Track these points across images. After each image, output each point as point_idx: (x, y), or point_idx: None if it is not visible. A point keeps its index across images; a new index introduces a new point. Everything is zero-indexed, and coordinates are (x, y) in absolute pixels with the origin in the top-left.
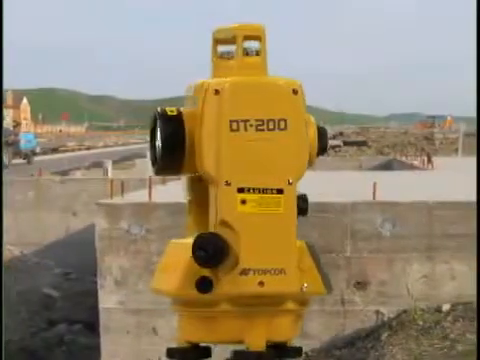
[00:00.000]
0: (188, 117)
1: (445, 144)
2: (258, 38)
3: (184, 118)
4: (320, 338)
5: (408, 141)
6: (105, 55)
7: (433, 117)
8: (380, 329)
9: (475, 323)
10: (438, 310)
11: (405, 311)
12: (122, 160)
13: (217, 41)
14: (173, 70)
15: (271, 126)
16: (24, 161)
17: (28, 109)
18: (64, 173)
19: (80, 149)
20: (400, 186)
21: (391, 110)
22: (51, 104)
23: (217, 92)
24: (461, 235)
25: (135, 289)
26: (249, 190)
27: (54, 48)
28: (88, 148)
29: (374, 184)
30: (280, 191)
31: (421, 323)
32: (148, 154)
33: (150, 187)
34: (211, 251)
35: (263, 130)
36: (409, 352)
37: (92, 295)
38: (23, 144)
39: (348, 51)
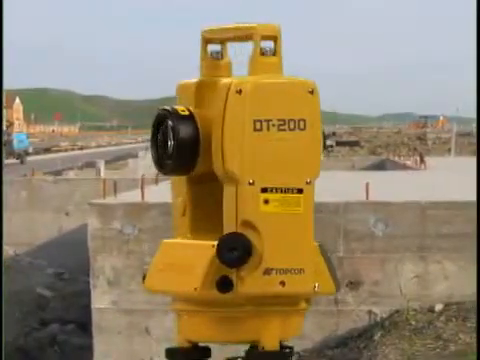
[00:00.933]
0: (200, 116)
1: (438, 144)
2: (274, 38)
3: (196, 117)
4: (313, 338)
5: (401, 141)
6: (99, 55)
7: (426, 117)
8: (373, 329)
9: (475, 323)
10: (431, 310)
11: (398, 311)
12: (115, 160)
13: (208, 41)
14: (167, 70)
15: (292, 126)
16: (17, 161)
17: (21, 109)
18: (57, 173)
19: (73, 149)
20: (393, 186)
21: (384, 110)
22: (44, 104)
23: (239, 92)
24: (454, 235)
25: (128, 289)
26: (272, 190)
27: (47, 47)
28: (81, 148)
29: (367, 184)
30: (300, 191)
31: (414, 323)
32: (140, 153)
33: (143, 187)
34: (241, 251)
35: (285, 130)
36: (402, 352)
37: (85, 295)
38: (16, 144)
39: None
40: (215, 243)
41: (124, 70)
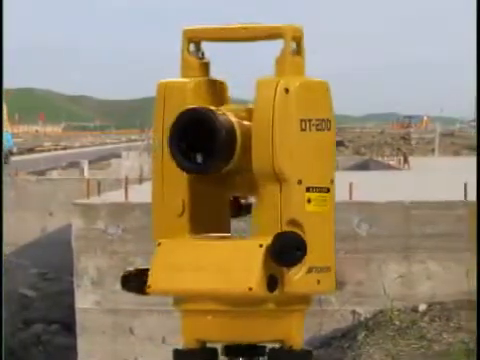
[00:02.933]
0: (233, 116)
1: (421, 144)
2: (300, 39)
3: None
4: None
5: (385, 141)
6: (83, 55)
7: (410, 117)
8: (357, 329)
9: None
10: (414, 310)
11: (381, 311)
12: (98, 160)
13: (195, 40)
14: (150, 70)
15: (323, 126)
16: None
17: (5, 109)
18: (40, 173)
19: (56, 149)
20: (377, 186)
21: (368, 110)
22: (29, 104)
23: (287, 91)
24: (437, 235)
25: (112, 289)
26: (314, 189)
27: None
28: (64, 148)
29: (350, 184)
30: (328, 190)
31: (398, 323)
32: (124, 153)
33: (126, 187)
34: (304, 251)
35: (321, 130)
36: (386, 352)
37: (69, 295)
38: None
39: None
40: (263, 242)
41: (107, 70)
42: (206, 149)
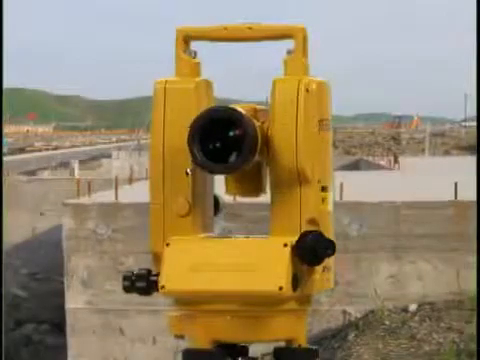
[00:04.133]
0: (253, 116)
1: (412, 144)
2: (306, 39)
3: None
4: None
5: (375, 141)
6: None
7: (400, 117)
8: (347, 329)
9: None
10: (405, 310)
11: (372, 311)
12: (89, 160)
13: (187, 39)
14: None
15: (329, 126)
16: None
17: None
18: (31, 173)
19: (47, 149)
20: (367, 186)
21: (358, 110)
22: (20, 104)
23: (307, 91)
24: (428, 235)
25: (102, 289)
26: (326, 189)
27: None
28: (55, 148)
29: (341, 184)
30: (327, 189)
31: (388, 323)
32: (114, 154)
33: (116, 187)
34: (333, 250)
35: (327, 130)
36: (376, 352)
37: (59, 295)
38: None
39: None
40: (286, 241)
41: (97, 70)
42: (233, 149)
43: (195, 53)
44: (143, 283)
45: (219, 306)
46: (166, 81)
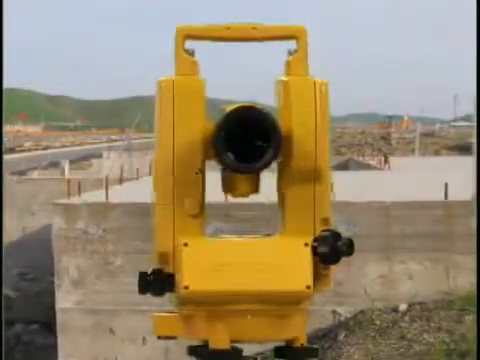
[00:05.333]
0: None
1: (402, 144)
2: (307, 40)
3: None
4: None
5: (365, 141)
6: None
7: (390, 117)
8: (337, 329)
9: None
10: (395, 310)
11: (362, 311)
12: (79, 160)
13: (190, 38)
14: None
15: (328, 126)
16: None
17: None
18: (21, 173)
19: (37, 149)
20: (357, 186)
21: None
22: (10, 104)
23: (321, 92)
24: (418, 235)
25: (92, 289)
26: (331, 188)
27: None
28: (45, 148)
29: (331, 184)
30: (332, 188)
31: (378, 323)
32: (104, 154)
33: (107, 187)
34: (353, 249)
35: (328, 130)
36: (366, 352)
37: (49, 295)
38: None
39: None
40: (306, 240)
41: (87, 70)
42: (259, 148)
43: (193, 52)
44: (160, 283)
45: (240, 306)
46: (173, 80)
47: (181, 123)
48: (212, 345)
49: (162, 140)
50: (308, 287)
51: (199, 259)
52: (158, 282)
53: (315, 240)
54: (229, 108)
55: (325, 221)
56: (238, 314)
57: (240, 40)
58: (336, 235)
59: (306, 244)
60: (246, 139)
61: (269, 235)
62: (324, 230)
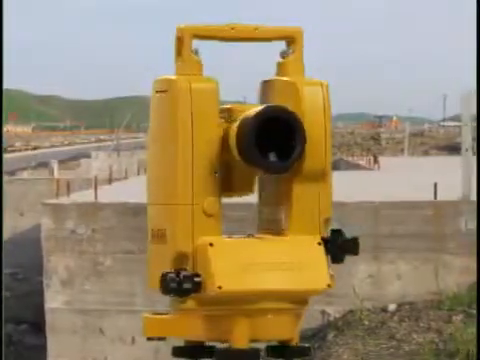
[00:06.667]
0: None
1: (391, 144)
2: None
3: None
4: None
5: (355, 141)
6: (51, 55)
7: (380, 117)
8: (326, 329)
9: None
10: (384, 310)
11: (351, 311)
12: (68, 160)
13: (195, 38)
14: (119, 69)
15: None
16: None
17: None
18: (11, 173)
19: (27, 149)
20: (346, 186)
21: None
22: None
23: (327, 91)
24: (407, 235)
25: (81, 289)
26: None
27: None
28: (34, 148)
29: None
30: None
31: (367, 323)
32: (93, 154)
33: (96, 187)
34: (358, 248)
35: None
36: (355, 352)
37: (39, 295)
38: None
39: None
40: (318, 240)
41: (76, 69)
42: (286, 148)
43: (197, 51)
44: (190, 284)
45: (263, 305)
46: (188, 80)
47: (200, 123)
48: (234, 345)
49: (182, 139)
50: (329, 286)
51: (227, 259)
52: (189, 283)
53: (325, 239)
54: (254, 108)
55: (327, 221)
56: (259, 313)
57: (243, 40)
58: (343, 235)
59: (319, 243)
60: (272, 139)
61: (252, 235)
62: (334, 230)
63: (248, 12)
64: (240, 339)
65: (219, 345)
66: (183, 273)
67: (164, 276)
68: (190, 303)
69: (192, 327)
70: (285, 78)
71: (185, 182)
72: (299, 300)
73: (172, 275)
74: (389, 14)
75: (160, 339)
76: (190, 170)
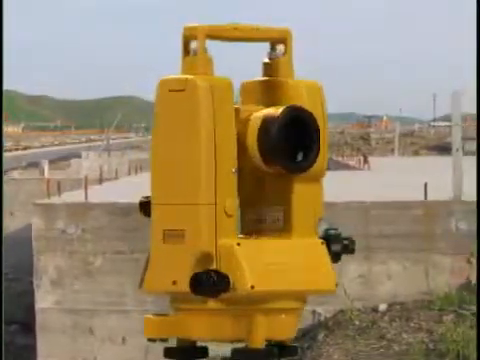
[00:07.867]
0: None
1: (381, 144)
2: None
3: None
4: None
5: (344, 141)
6: (42, 54)
7: (369, 117)
8: (316, 329)
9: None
10: (374, 310)
11: (342, 311)
12: (58, 160)
13: (207, 37)
14: (110, 69)
15: None
16: None
17: None
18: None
19: (17, 149)
20: (336, 186)
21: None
22: None
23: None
24: (397, 235)
25: (71, 289)
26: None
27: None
28: (25, 148)
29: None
30: None
31: (358, 323)
32: (83, 154)
33: (86, 187)
34: (354, 248)
35: None
36: (346, 352)
37: (29, 295)
38: None
39: None
40: (320, 240)
41: (67, 70)
42: (306, 148)
43: (206, 50)
44: (223, 284)
45: (278, 304)
46: (207, 78)
47: (221, 122)
48: (252, 344)
49: (204, 139)
50: (336, 285)
51: (254, 259)
52: (223, 284)
53: (325, 239)
54: (276, 109)
55: (320, 221)
56: (276, 312)
57: (245, 40)
58: (340, 235)
59: (322, 244)
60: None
61: (256, 236)
62: (330, 229)
63: (248, 12)
64: (259, 338)
65: (219, 345)
66: (215, 274)
67: (196, 276)
68: (211, 303)
69: (199, 327)
70: (289, 79)
71: (208, 182)
72: (305, 299)
73: (204, 275)
74: (389, 14)
75: (162, 340)
76: (213, 169)
